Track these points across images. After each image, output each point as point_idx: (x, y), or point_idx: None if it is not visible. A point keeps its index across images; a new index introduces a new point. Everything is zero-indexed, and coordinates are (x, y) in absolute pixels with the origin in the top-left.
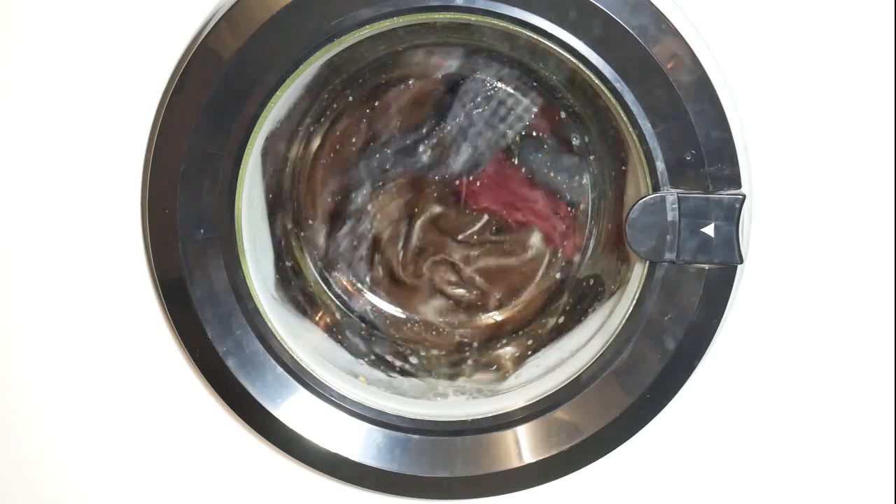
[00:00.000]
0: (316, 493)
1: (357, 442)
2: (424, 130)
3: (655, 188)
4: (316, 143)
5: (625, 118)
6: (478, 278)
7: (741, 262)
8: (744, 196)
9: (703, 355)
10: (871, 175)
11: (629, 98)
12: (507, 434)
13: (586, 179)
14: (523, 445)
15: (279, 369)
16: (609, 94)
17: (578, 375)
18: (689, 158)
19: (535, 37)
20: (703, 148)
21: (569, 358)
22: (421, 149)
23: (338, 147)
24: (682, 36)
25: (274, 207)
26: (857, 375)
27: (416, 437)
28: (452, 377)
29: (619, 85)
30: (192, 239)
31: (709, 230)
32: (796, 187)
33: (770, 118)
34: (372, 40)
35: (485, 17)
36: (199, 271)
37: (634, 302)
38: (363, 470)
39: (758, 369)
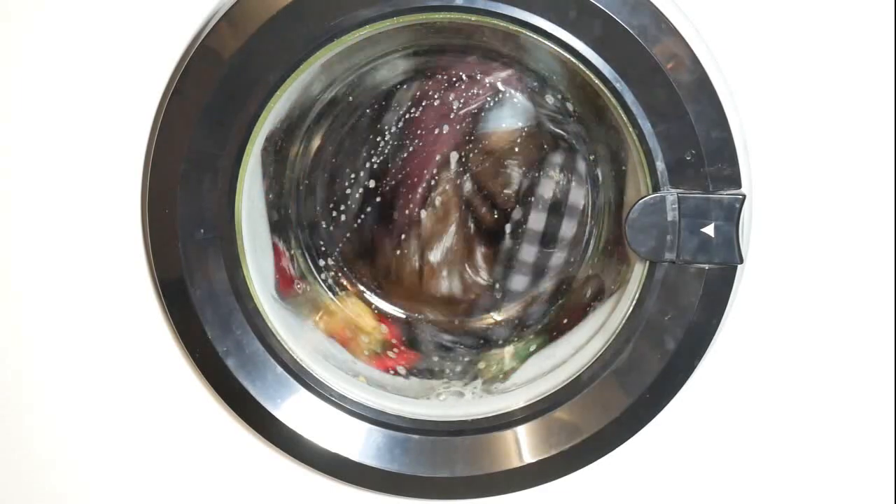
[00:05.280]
0: (316, 493)
1: (357, 442)
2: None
3: (655, 188)
4: (316, 142)
5: (625, 118)
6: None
7: (741, 262)
8: (744, 196)
9: (703, 355)
10: (871, 175)
11: (629, 98)
12: (507, 434)
13: (586, 179)
14: (523, 445)
15: (279, 369)
16: (609, 94)
17: (578, 375)
18: (689, 158)
19: (535, 37)
20: (703, 148)
21: (569, 358)
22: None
23: (338, 146)
24: (682, 36)
25: (274, 207)
26: (857, 375)
27: (416, 437)
28: (452, 377)
29: (619, 85)
30: (192, 239)
31: (709, 230)
32: (796, 187)
33: (770, 118)
34: (372, 40)
35: (485, 17)
36: (199, 271)
37: (634, 302)
38: (363, 470)
39: (758, 369)
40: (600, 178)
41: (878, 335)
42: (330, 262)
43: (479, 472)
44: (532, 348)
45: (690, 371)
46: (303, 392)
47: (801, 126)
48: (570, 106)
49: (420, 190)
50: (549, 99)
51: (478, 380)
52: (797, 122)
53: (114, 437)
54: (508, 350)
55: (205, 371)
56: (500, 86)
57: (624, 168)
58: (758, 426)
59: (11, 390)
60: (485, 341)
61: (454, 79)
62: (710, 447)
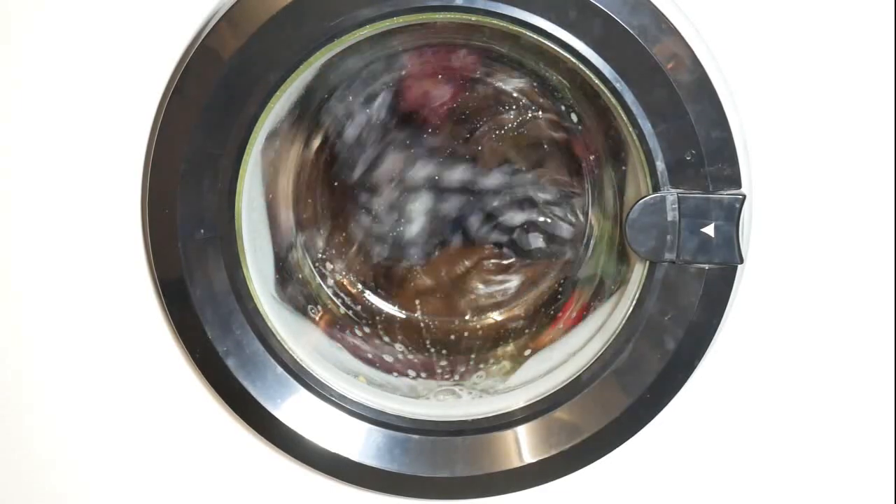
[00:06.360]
0: (316, 493)
1: (357, 442)
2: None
3: (655, 188)
4: (316, 142)
5: (625, 118)
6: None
7: (741, 262)
8: (744, 196)
9: (703, 355)
10: (871, 175)
11: (629, 98)
12: (507, 434)
13: (586, 180)
14: (523, 445)
15: (279, 369)
16: (609, 94)
17: (578, 375)
18: (689, 158)
19: (535, 37)
20: (703, 148)
21: (569, 358)
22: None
23: (339, 147)
24: (682, 36)
25: (274, 207)
26: (857, 375)
27: (416, 437)
28: (452, 377)
29: (619, 85)
30: (192, 239)
31: (709, 230)
32: (796, 187)
33: (770, 118)
34: (372, 40)
35: (485, 17)
36: (199, 271)
37: (634, 302)
38: (363, 470)
39: (758, 369)
40: (600, 178)
41: (878, 335)
42: (335, 272)
43: (479, 472)
44: (532, 348)
45: (690, 371)
46: (303, 392)
47: (801, 126)
48: (570, 107)
49: (419, 189)
50: (549, 99)
51: (477, 380)
52: (797, 122)
53: (114, 437)
54: (508, 350)
55: (205, 371)
56: (501, 86)
57: (624, 168)
58: (758, 426)
59: (11, 390)
60: (484, 342)
61: (454, 78)
62: (710, 447)
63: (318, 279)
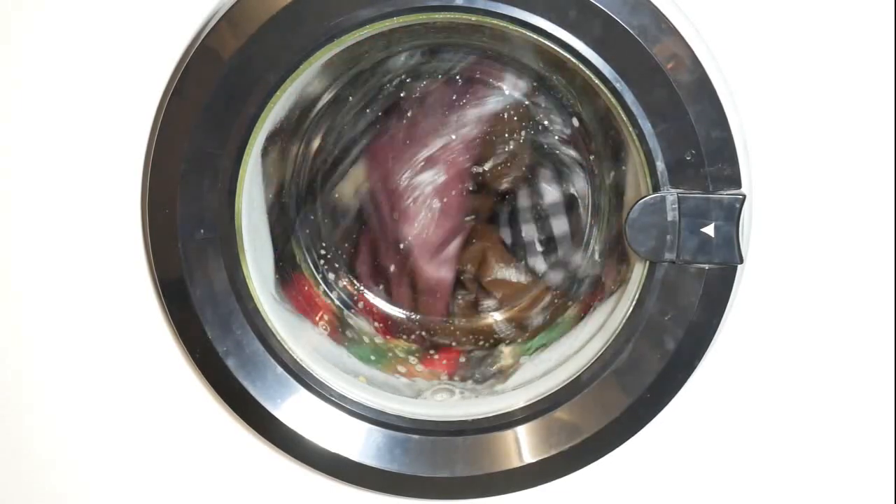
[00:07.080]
0: (316, 493)
1: (357, 442)
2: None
3: (655, 188)
4: (316, 142)
5: (625, 118)
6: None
7: (741, 262)
8: (744, 196)
9: (703, 355)
10: (871, 175)
11: (629, 98)
12: (507, 434)
13: (586, 179)
14: (523, 445)
15: (279, 369)
16: (609, 94)
17: (578, 375)
18: (689, 158)
19: (535, 37)
20: (703, 148)
21: (569, 358)
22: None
23: (339, 146)
24: (682, 36)
25: (274, 207)
26: (857, 375)
27: (416, 437)
28: (452, 377)
29: (619, 85)
30: (192, 239)
31: (709, 230)
32: (796, 187)
33: (770, 118)
34: (372, 40)
35: (485, 17)
36: (199, 271)
37: (634, 302)
38: (363, 470)
39: (758, 369)
40: (600, 179)
41: (878, 335)
42: (339, 276)
43: (479, 472)
44: (532, 348)
45: (690, 371)
46: (303, 392)
47: (801, 126)
48: (570, 106)
49: (419, 190)
50: (549, 98)
51: (477, 380)
52: (797, 122)
53: (114, 437)
54: (508, 350)
55: (205, 371)
56: (500, 85)
57: (624, 168)
58: (758, 426)
59: (11, 390)
60: (484, 342)
61: (454, 78)
62: (710, 447)
63: (321, 282)
